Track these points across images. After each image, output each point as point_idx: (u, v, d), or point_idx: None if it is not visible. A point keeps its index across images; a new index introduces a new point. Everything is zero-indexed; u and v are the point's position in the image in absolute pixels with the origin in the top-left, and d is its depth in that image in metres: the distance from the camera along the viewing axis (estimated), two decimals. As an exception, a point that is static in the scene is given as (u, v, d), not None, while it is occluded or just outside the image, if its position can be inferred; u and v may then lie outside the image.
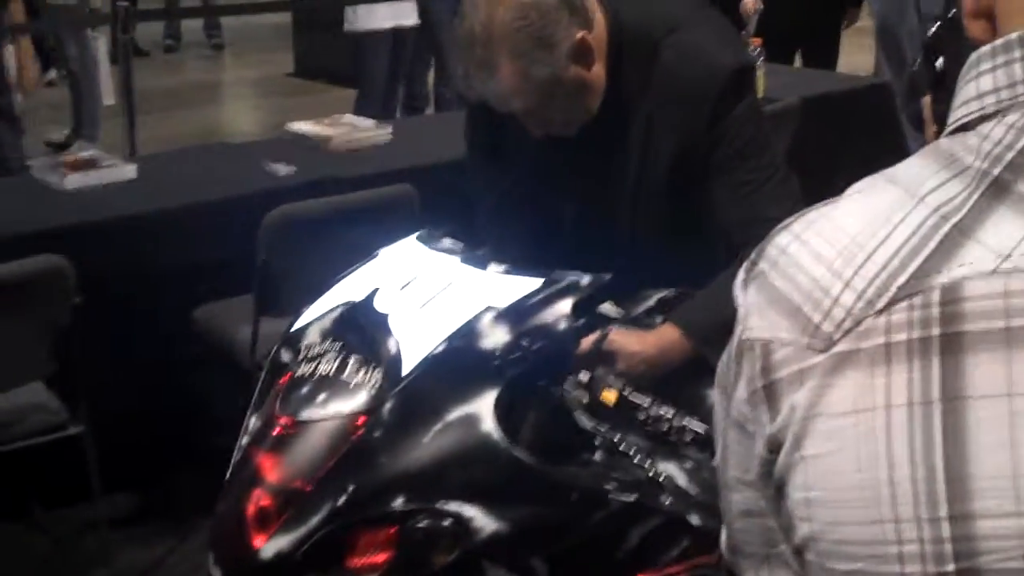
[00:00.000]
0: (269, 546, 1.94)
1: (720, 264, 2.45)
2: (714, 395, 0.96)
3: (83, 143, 7.69)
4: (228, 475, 2.09)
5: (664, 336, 2.29)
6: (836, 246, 0.84)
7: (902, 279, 0.80)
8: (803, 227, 0.88)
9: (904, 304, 0.79)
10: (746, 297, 0.90)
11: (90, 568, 3.64)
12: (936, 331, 0.78)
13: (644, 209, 2.47)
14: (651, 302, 2.38)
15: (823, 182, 5.51)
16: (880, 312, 0.80)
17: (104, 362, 3.61)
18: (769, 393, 0.85)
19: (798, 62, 6.99)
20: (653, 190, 2.45)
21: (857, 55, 9.51)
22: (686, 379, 2.24)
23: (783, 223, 0.90)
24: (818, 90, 5.54)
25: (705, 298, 2.35)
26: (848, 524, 0.81)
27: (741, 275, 0.92)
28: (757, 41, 5.22)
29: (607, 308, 2.30)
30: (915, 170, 0.85)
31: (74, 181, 4.03)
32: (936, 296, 0.78)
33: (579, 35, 2.28)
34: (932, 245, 0.80)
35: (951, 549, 0.77)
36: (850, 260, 0.82)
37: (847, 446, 0.80)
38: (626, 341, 2.23)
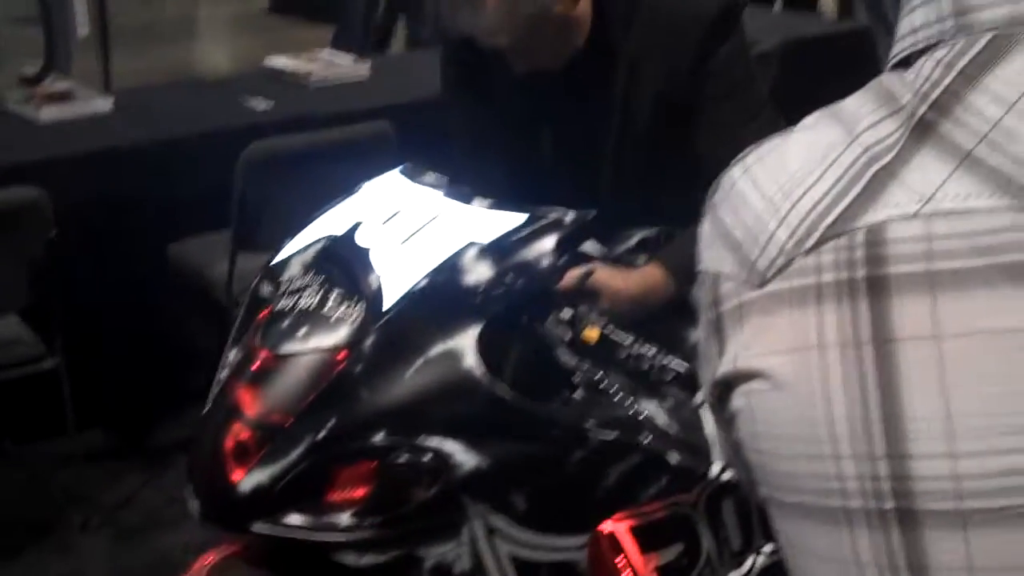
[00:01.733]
0: (247, 480, 1.93)
1: (703, 207, 2.45)
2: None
3: (56, 75, 7.61)
4: (206, 408, 2.08)
5: (648, 275, 2.29)
6: (778, 181, 0.83)
7: (830, 219, 0.79)
8: (754, 160, 0.87)
9: (831, 245, 0.79)
10: (703, 228, 0.90)
11: (65, 502, 3.64)
12: (861, 273, 0.78)
13: (628, 145, 2.46)
14: (633, 241, 2.38)
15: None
16: (809, 251, 0.80)
17: (80, 296, 3.58)
18: (717, 326, 0.86)
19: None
20: (637, 127, 2.43)
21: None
22: (668, 318, 2.24)
23: (740, 154, 0.90)
24: (797, 34, 5.52)
25: (690, 239, 2.33)
26: (791, 458, 0.82)
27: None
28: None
29: (589, 246, 2.29)
30: (855, 105, 0.84)
31: (49, 113, 4.00)
32: (860, 237, 0.78)
33: None
34: (860, 185, 0.79)
35: (889, 487, 0.78)
36: (787, 195, 0.82)
37: (786, 383, 0.81)
38: (610, 278, 2.23)
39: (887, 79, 0.84)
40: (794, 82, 5.02)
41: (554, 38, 2.33)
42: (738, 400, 0.85)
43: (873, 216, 0.78)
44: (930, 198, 0.77)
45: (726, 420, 0.87)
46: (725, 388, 0.86)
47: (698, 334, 0.90)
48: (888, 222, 0.78)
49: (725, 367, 0.85)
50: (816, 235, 0.80)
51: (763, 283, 0.82)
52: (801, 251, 0.80)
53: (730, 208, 0.86)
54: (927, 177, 0.78)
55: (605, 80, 2.41)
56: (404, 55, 7.19)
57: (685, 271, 2.25)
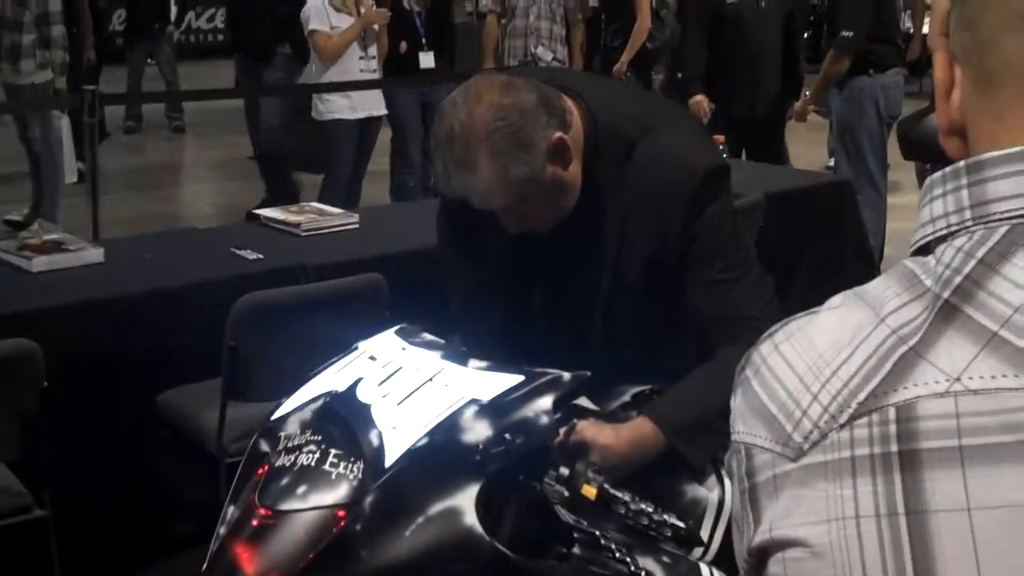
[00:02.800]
0: (247, 639, 1.93)
1: (693, 359, 2.48)
2: None
3: (43, 223, 7.67)
4: (205, 566, 2.07)
5: (638, 429, 2.30)
6: (807, 360, 0.89)
7: (862, 396, 0.84)
8: (783, 338, 0.93)
9: (864, 420, 0.84)
10: (734, 401, 0.95)
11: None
12: (895, 447, 0.83)
13: (618, 306, 2.50)
14: (626, 397, 2.40)
15: (785, 277, 5.58)
16: (843, 426, 0.85)
17: (69, 446, 3.58)
18: (752, 497, 0.90)
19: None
20: (628, 287, 2.47)
21: (815, 149, 9.69)
22: (664, 473, 2.26)
23: (768, 331, 0.95)
24: (779, 186, 5.61)
25: (679, 392, 2.37)
26: None
27: (736, 379, 0.97)
28: (720, 139, 5.30)
29: (583, 403, 2.31)
30: (880, 289, 0.90)
31: (40, 264, 4.02)
32: (892, 414, 0.83)
33: (556, 135, 2.31)
34: (889, 364, 0.84)
35: None
36: (818, 375, 0.87)
37: (824, 552, 0.84)
38: (599, 433, 2.24)
39: (911, 264, 0.89)
40: (779, 233, 5.11)
41: (546, 201, 2.37)
42: (774, 567, 0.88)
43: (904, 394, 0.83)
44: (958, 377, 0.82)
45: None
46: (761, 556, 0.90)
47: (734, 504, 0.94)
48: (919, 399, 0.83)
49: (761, 536, 0.89)
50: (849, 411, 0.85)
51: (799, 456, 0.87)
52: (835, 426, 0.85)
53: (762, 384, 0.91)
54: (954, 357, 0.83)
55: (596, 240, 2.46)
56: (392, 206, 7.28)
57: (675, 424, 2.29)
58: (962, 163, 0.88)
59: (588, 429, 2.23)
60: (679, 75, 7.62)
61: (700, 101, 7.22)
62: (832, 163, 9.62)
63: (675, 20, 9.11)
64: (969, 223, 0.86)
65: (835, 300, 0.93)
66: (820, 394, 0.86)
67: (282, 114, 8.22)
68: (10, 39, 7.90)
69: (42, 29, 7.89)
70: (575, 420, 2.24)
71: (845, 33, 6.68)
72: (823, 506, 0.84)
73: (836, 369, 0.86)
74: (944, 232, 0.87)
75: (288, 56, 8.28)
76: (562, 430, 2.17)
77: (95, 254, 4.17)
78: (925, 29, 10.61)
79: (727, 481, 2.33)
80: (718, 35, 7.21)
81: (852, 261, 5.80)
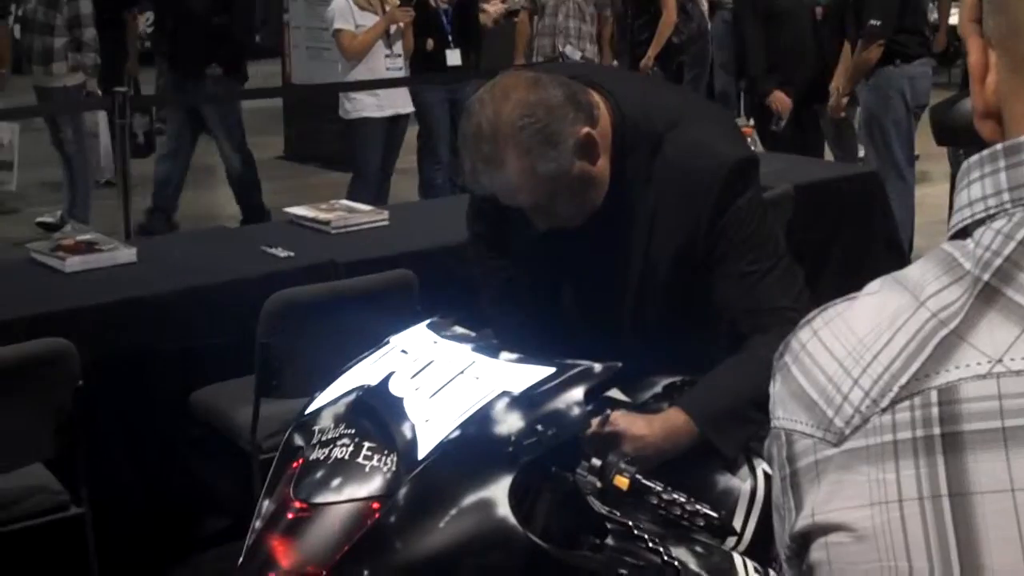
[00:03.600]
0: (283, 631, 1.95)
1: (723, 350, 2.49)
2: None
3: (75, 224, 7.73)
4: (241, 560, 2.09)
5: (671, 420, 2.31)
6: (847, 345, 0.89)
7: (903, 379, 0.85)
8: (821, 324, 0.93)
9: (906, 404, 0.84)
10: (773, 387, 0.95)
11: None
12: (937, 430, 0.83)
13: (649, 299, 2.51)
14: (658, 388, 2.41)
15: (814, 269, 5.57)
16: (884, 410, 0.85)
17: (105, 444, 3.61)
18: (793, 482, 0.91)
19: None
20: (657, 280, 2.48)
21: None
22: (696, 464, 2.27)
23: (806, 318, 0.95)
24: (809, 178, 5.61)
25: (711, 383, 2.38)
26: None
27: (774, 365, 0.97)
28: (748, 131, 5.30)
29: (615, 394, 2.32)
30: (919, 273, 0.90)
31: (74, 264, 4.06)
32: (934, 397, 0.83)
33: (584, 131, 2.31)
34: (930, 348, 0.85)
35: None
36: (858, 359, 0.87)
37: (868, 536, 0.85)
38: (632, 424, 2.26)
39: (949, 247, 0.90)
40: (808, 225, 5.10)
41: (574, 196, 2.37)
42: (817, 552, 0.88)
43: (945, 377, 0.84)
44: (1000, 359, 0.82)
45: (803, 572, 0.91)
46: (803, 541, 0.90)
47: (775, 490, 0.95)
48: (960, 382, 0.83)
49: (803, 521, 0.89)
50: (891, 395, 0.85)
51: (840, 441, 0.87)
52: (877, 410, 0.85)
53: (802, 370, 0.92)
54: (996, 339, 0.83)
55: (625, 234, 2.46)
56: (421, 203, 7.30)
57: (708, 415, 2.30)
58: (999, 146, 0.88)
59: (621, 420, 2.24)
60: (744, 75, 7.49)
61: (781, 97, 7.23)
62: (862, 154, 9.62)
63: (702, 14, 9.09)
64: (1008, 205, 0.86)
65: (873, 285, 0.94)
66: (861, 379, 0.87)
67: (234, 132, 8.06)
68: (41, 42, 7.98)
69: (74, 32, 7.96)
70: (608, 411, 2.25)
71: (873, 22, 6.66)
72: (866, 490, 0.85)
73: (877, 353, 0.87)
74: (983, 215, 0.88)
75: (220, 76, 7.87)
76: (594, 421, 2.18)
77: (128, 254, 4.21)
78: (952, 20, 10.55)
79: (759, 471, 2.34)
80: (770, 30, 7.23)
81: (882, 253, 5.79)
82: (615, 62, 8.81)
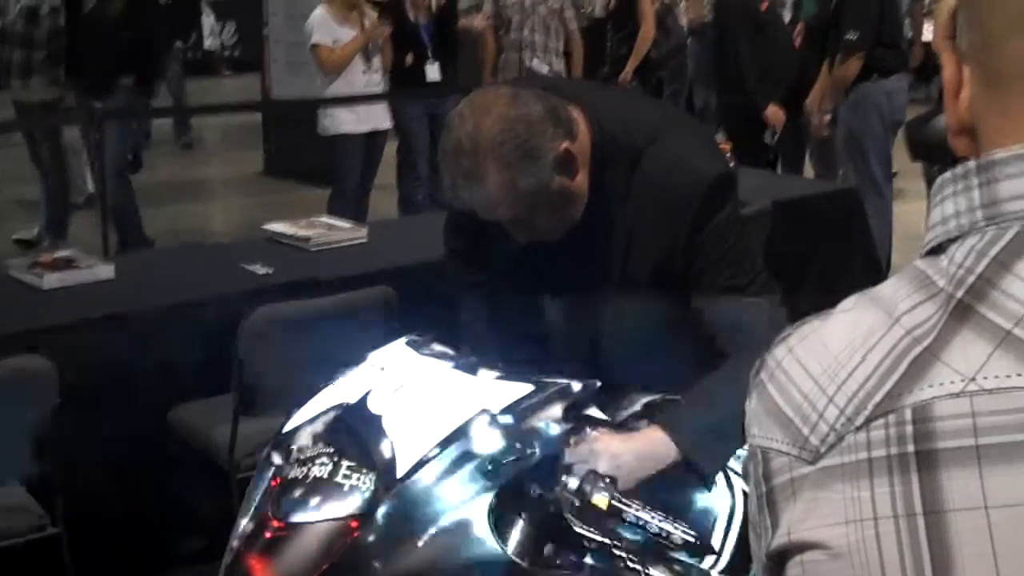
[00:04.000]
0: (261, 651, 1.94)
1: (703, 366, 2.49)
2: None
3: (53, 240, 7.71)
4: (218, 579, 2.08)
5: (649, 439, 2.30)
6: (822, 363, 0.90)
7: (878, 397, 0.85)
8: (796, 341, 0.93)
9: (880, 422, 0.84)
10: (749, 405, 0.95)
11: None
12: (911, 448, 0.83)
13: (627, 314, 2.51)
14: (637, 406, 2.40)
15: (792, 285, 5.59)
16: (859, 428, 0.85)
17: (82, 463, 3.59)
18: (769, 500, 0.91)
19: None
20: (636, 295, 2.48)
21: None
22: (674, 483, 2.27)
23: (781, 335, 0.96)
24: (788, 194, 5.63)
25: (690, 400, 2.37)
26: None
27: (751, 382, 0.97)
28: (726, 146, 5.30)
29: (593, 412, 2.32)
30: (892, 290, 0.90)
31: (52, 281, 4.04)
32: (908, 415, 0.84)
33: (564, 146, 2.31)
34: (904, 365, 0.85)
35: None
36: (833, 377, 0.88)
37: (843, 554, 0.85)
38: (610, 443, 2.25)
39: (922, 265, 0.90)
40: (786, 241, 5.12)
41: (553, 211, 2.37)
42: (793, 570, 0.89)
43: (919, 395, 0.84)
44: (973, 377, 0.83)
45: None
46: (779, 559, 0.90)
47: (752, 508, 0.95)
48: (934, 400, 0.83)
49: (779, 539, 0.90)
50: (865, 413, 0.85)
51: (816, 459, 0.87)
52: (851, 428, 0.86)
53: (777, 387, 0.92)
54: (969, 357, 0.83)
55: (604, 248, 2.46)
56: (401, 219, 7.30)
57: (687, 432, 2.30)
58: (972, 163, 0.89)
59: (600, 439, 2.24)
60: (744, 92, 7.47)
61: (776, 111, 7.25)
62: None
63: (681, 29, 9.12)
64: (981, 223, 0.87)
65: (848, 302, 0.94)
66: (836, 396, 0.87)
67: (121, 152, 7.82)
68: (21, 55, 7.93)
69: (52, 46, 7.92)
70: (587, 430, 2.24)
71: (850, 36, 6.66)
72: (841, 508, 0.85)
73: (851, 371, 0.87)
74: (956, 233, 0.88)
75: (130, 89, 7.61)
76: (573, 439, 2.18)
77: (106, 270, 4.20)
78: (926, 36, 10.61)
79: (737, 489, 2.34)
80: (755, 44, 7.26)
81: (860, 269, 5.80)
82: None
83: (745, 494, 2.31)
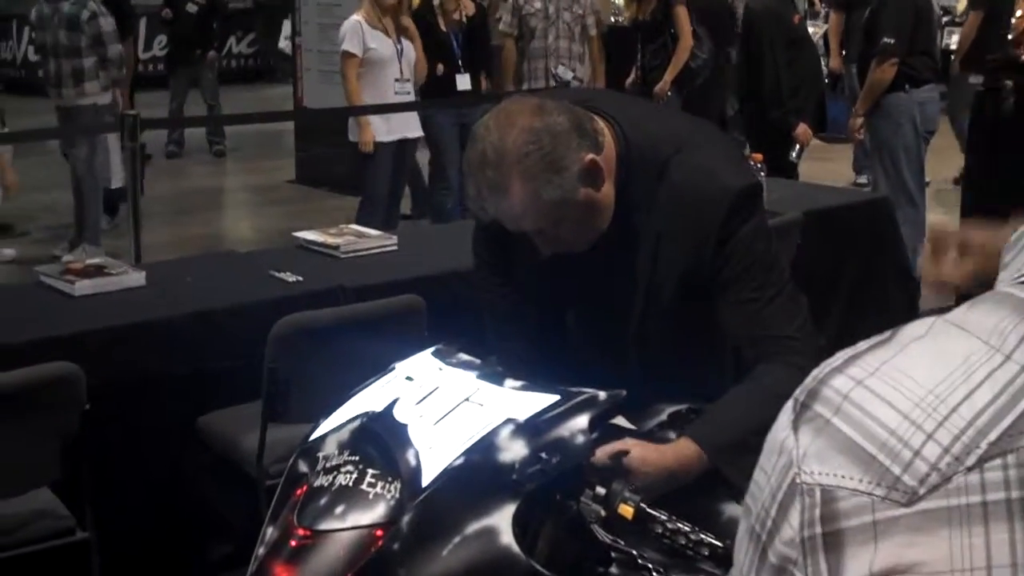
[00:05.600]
0: (285, 658, 1.94)
1: (729, 377, 2.48)
2: (740, 528, 0.92)
3: (87, 247, 7.75)
4: (244, 586, 2.09)
5: (681, 450, 2.30)
6: (911, 396, 0.82)
7: (992, 436, 0.79)
8: (863, 372, 0.86)
9: (997, 462, 0.79)
10: (798, 439, 0.86)
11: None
12: None
13: (653, 324, 2.51)
14: (663, 416, 2.40)
15: (824, 295, 5.55)
16: (971, 469, 0.79)
17: (111, 468, 3.61)
18: (831, 541, 0.83)
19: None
20: (662, 307, 2.48)
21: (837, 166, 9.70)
22: (701, 493, 2.26)
23: (832, 365, 0.88)
24: (818, 204, 5.61)
25: (720, 413, 2.37)
26: None
27: (787, 416, 0.89)
28: (758, 157, 5.29)
29: (620, 422, 2.32)
30: (992, 321, 0.84)
31: (83, 288, 4.06)
32: None
33: (589, 157, 2.31)
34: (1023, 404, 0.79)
35: None
36: (930, 413, 0.81)
37: None
38: (645, 454, 2.24)
39: (1020, 293, 0.85)
40: (817, 251, 5.10)
41: (579, 222, 2.38)
42: None
43: None
44: None
45: None
46: None
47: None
48: None
49: None
50: (978, 452, 0.79)
51: (912, 500, 0.80)
52: (960, 469, 0.79)
53: (849, 422, 0.84)
54: None
55: (630, 260, 2.46)
56: (430, 228, 7.31)
57: (719, 445, 2.29)
58: None
59: (635, 448, 2.23)
60: (779, 105, 7.43)
61: (805, 129, 7.24)
62: (862, 179, 9.62)
63: (711, 40, 9.09)
64: None
65: (916, 328, 0.87)
66: (937, 433, 0.80)
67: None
68: (70, 65, 8.03)
69: (98, 50, 8.03)
70: (617, 439, 2.24)
71: (887, 40, 6.62)
72: (946, 554, 0.78)
73: (955, 406, 0.80)
74: None
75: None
76: (606, 448, 2.18)
77: (137, 278, 4.21)
78: (952, 44, 10.56)
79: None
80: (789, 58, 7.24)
81: (892, 279, 5.78)
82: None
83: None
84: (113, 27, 8.16)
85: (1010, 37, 7.21)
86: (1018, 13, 7.13)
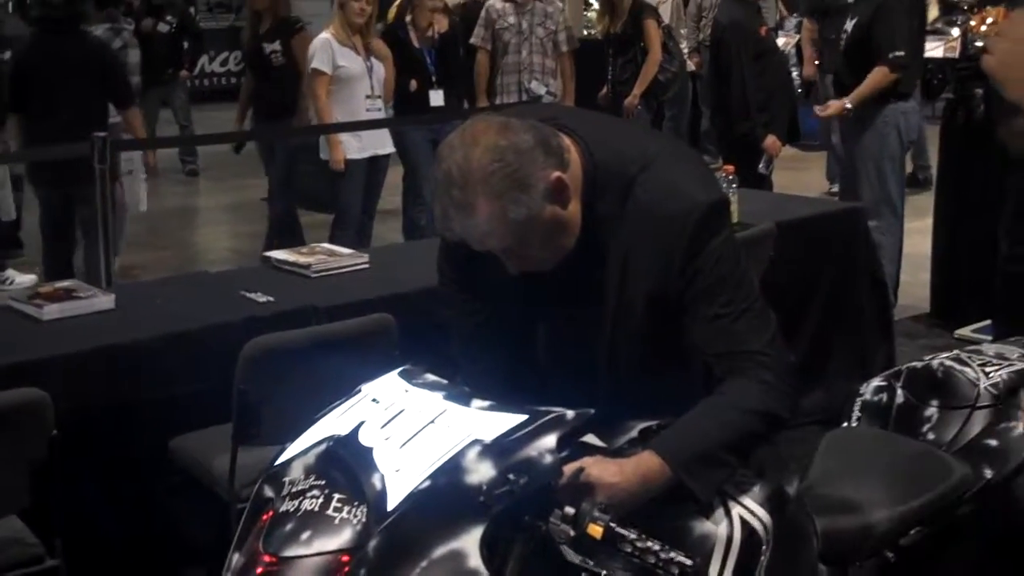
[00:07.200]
0: None
1: (699, 392, 2.47)
2: None
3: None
4: (211, 614, 2.07)
5: (644, 464, 2.28)
6: None
7: None
8: None
9: None
10: None
11: None
12: None
13: (622, 341, 2.49)
14: (634, 433, 2.38)
15: (798, 305, 5.54)
16: None
17: (81, 494, 3.57)
18: None
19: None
20: (631, 323, 2.46)
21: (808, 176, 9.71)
22: (670, 510, 2.25)
23: None
24: (791, 215, 5.60)
25: (684, 426, 2.35)
26: None
27: None
28: (730, 169, 5.29)
29: (590, 440, 2.30)
30: None
31: (51, 312, 4.03)
32: None
33: (555, 175, 2.30)
34: None
35: None
36: None
37: None
38: (604, 471, 2.22)
39: None
40: (791, 261, 5.10)
41: (545, 241, 2.36)
42: None
43: None
44: None
45: None
46: None
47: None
48: None
49: None
50: None
51: None
52: None
53: None
54: None
55: (598, 277, 2.44)
56: (403, 245, 7.29)
57: (682, 458, 2.28)
58: None
59: (593, 467, 2.21)
60: (747, 119, 7.42)
61: (774, 141, 7.25)
62: (834, 188, 9.63)
63: (681, 53, 9.12)
64: None
65: None
66: None
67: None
68: None
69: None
70: (585, 458, 2.22)
71: (898, 53, 6.59)
72: None
73: None
74: None
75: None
76: (567, 468, 2.16)
77: (106, 301, 4.18)
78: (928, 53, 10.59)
79: (735, 516, 2.31)
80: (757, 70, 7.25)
81: (866, 289, 5.78)
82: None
83: (743, 520, 2.29)
84: (138, 59, 8.10)
85: (979, 44, 7.23)
86: (988, 21, 7.15)
